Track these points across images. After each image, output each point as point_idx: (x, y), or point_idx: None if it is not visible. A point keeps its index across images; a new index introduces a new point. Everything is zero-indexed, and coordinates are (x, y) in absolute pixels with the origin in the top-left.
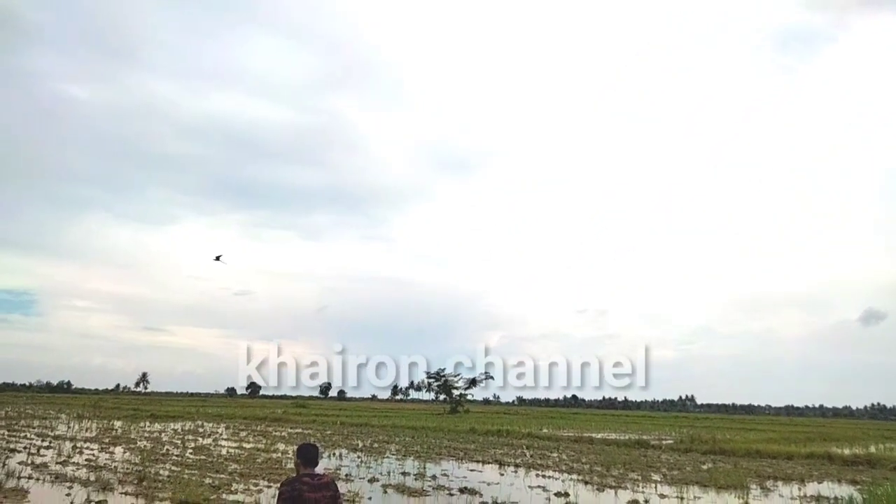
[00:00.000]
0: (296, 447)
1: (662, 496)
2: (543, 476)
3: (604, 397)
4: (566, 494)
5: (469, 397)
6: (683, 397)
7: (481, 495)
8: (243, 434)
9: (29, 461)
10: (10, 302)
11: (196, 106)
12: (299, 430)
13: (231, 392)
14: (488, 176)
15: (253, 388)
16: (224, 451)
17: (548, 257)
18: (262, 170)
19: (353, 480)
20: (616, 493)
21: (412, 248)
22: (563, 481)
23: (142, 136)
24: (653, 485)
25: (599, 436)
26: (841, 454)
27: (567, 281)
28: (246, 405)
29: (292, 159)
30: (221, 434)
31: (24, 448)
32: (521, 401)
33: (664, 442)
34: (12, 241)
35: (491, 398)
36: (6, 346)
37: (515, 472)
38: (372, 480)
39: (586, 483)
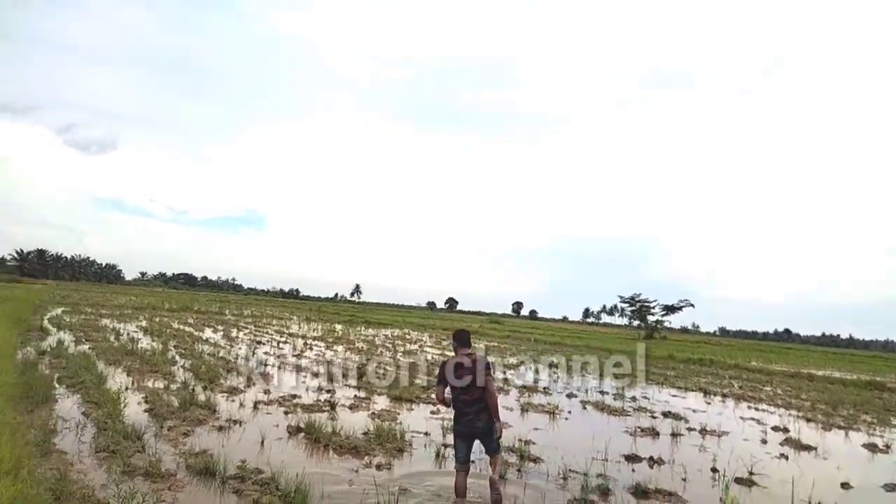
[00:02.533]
0: (452, 332)
1: None
2: (756, 409)
3: (823, 333)
4: (785, 430)
5: (666, 324)
6: None
7: (687, 421)
8: (444, 343)
9: (272, 352)
10: (246, 219)
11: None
12: (495, 344)
13: (431, 305)
14: None
15: (451, 302)
16: (429, 357)
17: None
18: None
19: (550, 394)
20: (846, 434)
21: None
22: (779, 416)
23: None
24: (894, 429)
25: (821, 373)
26: None
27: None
28: (445, 318)
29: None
30: (425, 342)
31: (268, 341)
32: (723, 331)
33: None
34: (241, 164)
35: (689, 327)
36: (248, 256)
37: (723, 402)
38: (570, 396)
39: (808, 420)
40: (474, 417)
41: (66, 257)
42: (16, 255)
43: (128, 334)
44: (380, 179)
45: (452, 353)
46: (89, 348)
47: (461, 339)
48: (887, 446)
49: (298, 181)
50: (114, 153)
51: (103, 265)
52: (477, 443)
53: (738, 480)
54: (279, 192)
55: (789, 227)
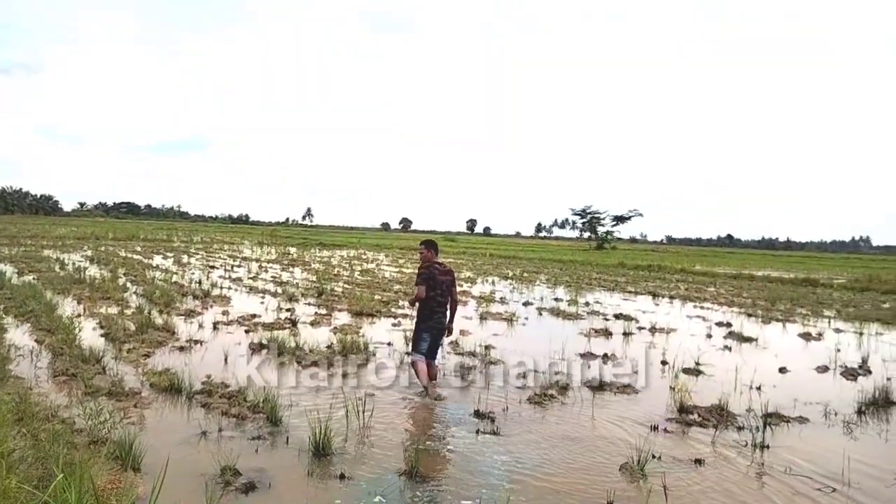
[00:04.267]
0: (421, 242)
1: (838, 330)
2: (701, 307)
3: (763, 237)
4: (728, 325)
5: (616, 234)
6: (857, 238)
7: (637, 321)
8: (401, 261)
9: (227, 276)
10: (189, 143)
11: None
12: (451, 260)
13: (385, 226)
14: None
15: (405, 222)
16: (387, 275)
17: None
18: None
19: (507, 303)
20: (784, 325)
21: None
22: (723, 313)
23: None
24: (825, 320)
25: (760, 273)
26: None
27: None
28: (400, 238)
29: None
30: (382, 261)
31: (221, 265)
32: (670, 239)
33: (835, 281)
34: (180, 86)
35: (638, 237)
36: (191, 180)
37: (671, 303)
38: (526, 304)
39: (749, 315)
40: (442, 316)
41: None
42: None
43: (73, 264)
44: (323, 92)
45: (420, 262)
46: (34, 278)
47: (435, 248)
48: (820, 335)
49: (241, 100)
50: (41, 76)
51: (38, 196)
52: None
53: (686, 370)
54: (221, 115)
55: (729, 131)
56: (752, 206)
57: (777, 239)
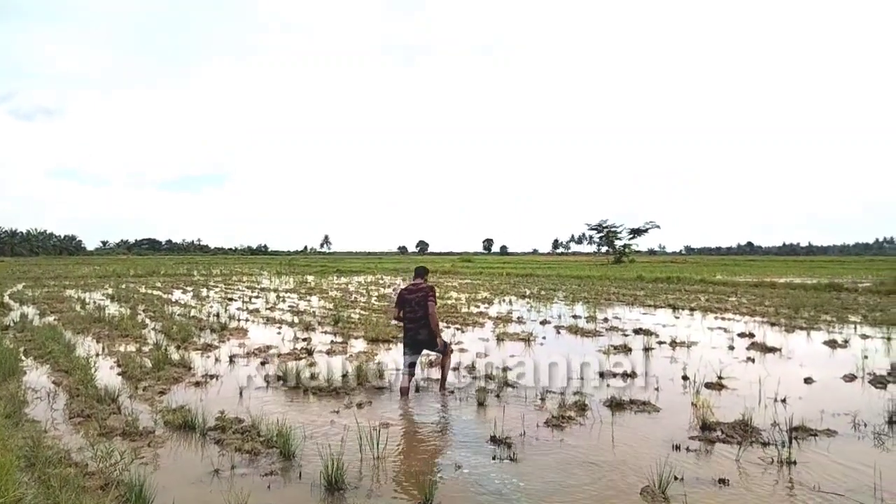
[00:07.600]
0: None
1: (865, 336)
2: (722, 318)
3: (784, 243)
4: (751, 335)
5: (633, 247)
6: (881, 239)
7: (657, 336)
8: None
9: (244, 307)
10: (206, 178)
11: None
12: (468, 281)
13: (402, 250)
14: None
15: (422, 245)
16: None
17: None
18: None
19: (525, 323)
20: (808, 333)
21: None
22: (745, 323)
23: None
24: (851, 326)
25: (782, 280)
26: None
27: None
28: (416, 261)
29: None
30: (399, 285)
31: (239, 297)
32: (688, 250)
33: (860, 285)
34: (196, 122)
35: (656, 248)
36: (212, 215)
37: (691, 315)
38: (543, 323)
39: (772, 325)
40: (415, 332)
41: (21, 232)
42: None
43: (94, 302)
44: (336, 124)
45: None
46: (55, 319)
47: (416, 272)
48: (846, 341)
49: (256, 134)
50: (62, 120)
51: (62, 237)
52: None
53: (708, 385)
54: (237, 148)
55: (748, 140)
56: (772, 212)
57: (798, 244)
